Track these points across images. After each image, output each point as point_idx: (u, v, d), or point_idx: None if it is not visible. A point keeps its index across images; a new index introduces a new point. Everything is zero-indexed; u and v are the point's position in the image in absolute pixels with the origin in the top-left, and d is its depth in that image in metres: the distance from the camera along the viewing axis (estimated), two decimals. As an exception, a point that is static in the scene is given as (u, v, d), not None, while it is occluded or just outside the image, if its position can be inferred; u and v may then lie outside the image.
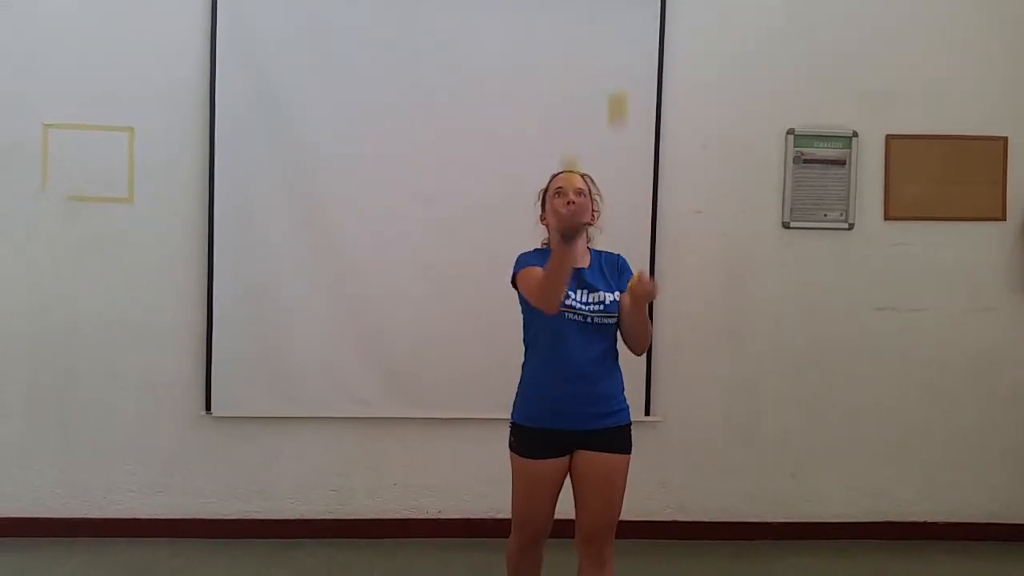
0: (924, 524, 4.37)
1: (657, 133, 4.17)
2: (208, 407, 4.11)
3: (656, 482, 4.28)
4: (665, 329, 4.22)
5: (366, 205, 4.09)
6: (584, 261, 2.82)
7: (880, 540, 4.33)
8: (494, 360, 3.94)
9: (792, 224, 4.27)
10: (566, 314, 2.72)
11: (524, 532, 2.88)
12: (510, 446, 2.84)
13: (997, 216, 4.33)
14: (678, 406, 4.28)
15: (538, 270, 2.66)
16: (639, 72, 4.13)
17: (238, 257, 4.07)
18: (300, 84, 4.05)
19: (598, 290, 2.78)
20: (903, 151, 4.28)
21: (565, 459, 2.78)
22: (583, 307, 2.74)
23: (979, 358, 4.35)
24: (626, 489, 2.83)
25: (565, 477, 2.82)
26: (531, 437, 2.78)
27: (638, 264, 3.93)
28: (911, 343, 4.33)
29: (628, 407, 2.86)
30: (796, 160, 4.25)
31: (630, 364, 3.93)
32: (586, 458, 2.76)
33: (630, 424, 2.84)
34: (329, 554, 4.03)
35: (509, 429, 2.86)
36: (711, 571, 3.99)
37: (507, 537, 3.11)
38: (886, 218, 4.30)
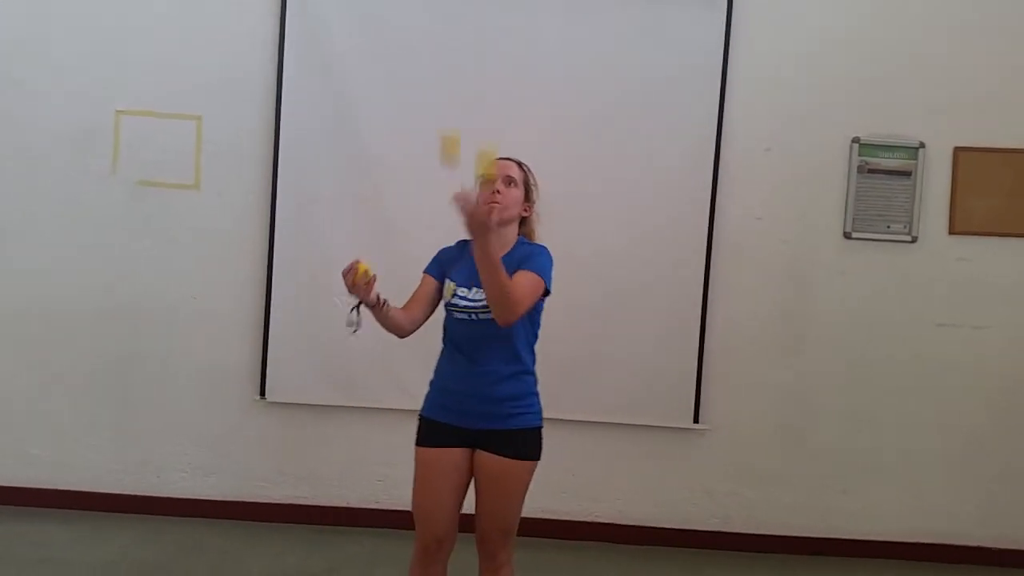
0: (981, 548, 4.23)
1: (719, 133, 4.12)
2: (263, 392, 4.18)
3: (701, 491, 4.23)
4: (718, 335, 4.18)
5: (424, 203, 4.08)
6: (499, 255, 2.49)
7: (932, 562, 4.20)
8: (543, 358, 3.92)
9: (854, 234, 4.19)
10: (453, 312, 2.63)
11: (423, 535, 2.61)
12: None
13: (1068, 234, 4.19)
14: (728, 414, 4.22)
15: (424, 283, 2.74)
16: (703, 69, 4.10)
17: (298, 247, 4.13)
18: (365, 80, 4.10)
19: None
20: (971, 164, 4.17)
21: (462, 452, 2.59)
22: (467, 303, 2.60)
23: (1044, 378, 4.22)
24: (528, 494, 2.66)
25: (465, 477, 2.62)
26: (428, 428, 2.64)
27: (693, 271, 3.99)
28: (972, 360, 4.20)
29: (536, 412, 2.64)
30: (860, 169, 4.17)
31: (680, 370, 4.00)
32: (479, 459, 2.59)
33: (535, 429, 2.61)
34: (373, 542, 4.06)
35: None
36: (755, 583, 3.94)
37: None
38: (951, 232, 4.19)
